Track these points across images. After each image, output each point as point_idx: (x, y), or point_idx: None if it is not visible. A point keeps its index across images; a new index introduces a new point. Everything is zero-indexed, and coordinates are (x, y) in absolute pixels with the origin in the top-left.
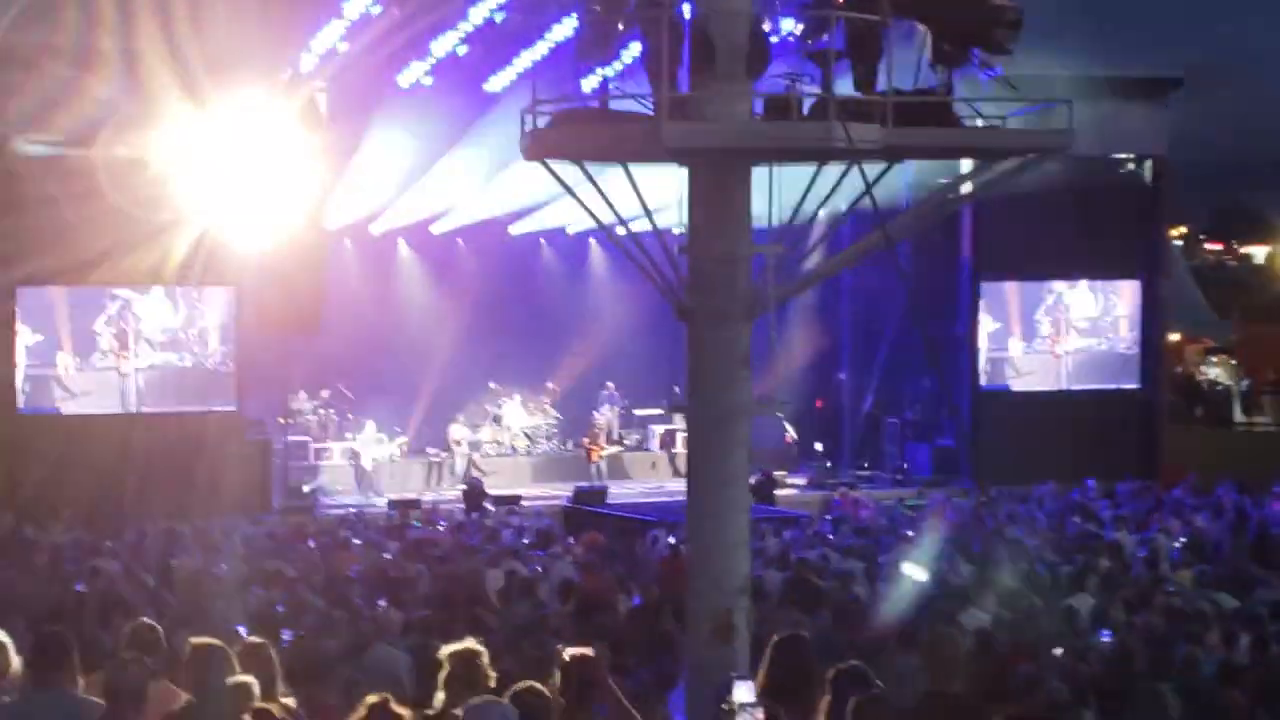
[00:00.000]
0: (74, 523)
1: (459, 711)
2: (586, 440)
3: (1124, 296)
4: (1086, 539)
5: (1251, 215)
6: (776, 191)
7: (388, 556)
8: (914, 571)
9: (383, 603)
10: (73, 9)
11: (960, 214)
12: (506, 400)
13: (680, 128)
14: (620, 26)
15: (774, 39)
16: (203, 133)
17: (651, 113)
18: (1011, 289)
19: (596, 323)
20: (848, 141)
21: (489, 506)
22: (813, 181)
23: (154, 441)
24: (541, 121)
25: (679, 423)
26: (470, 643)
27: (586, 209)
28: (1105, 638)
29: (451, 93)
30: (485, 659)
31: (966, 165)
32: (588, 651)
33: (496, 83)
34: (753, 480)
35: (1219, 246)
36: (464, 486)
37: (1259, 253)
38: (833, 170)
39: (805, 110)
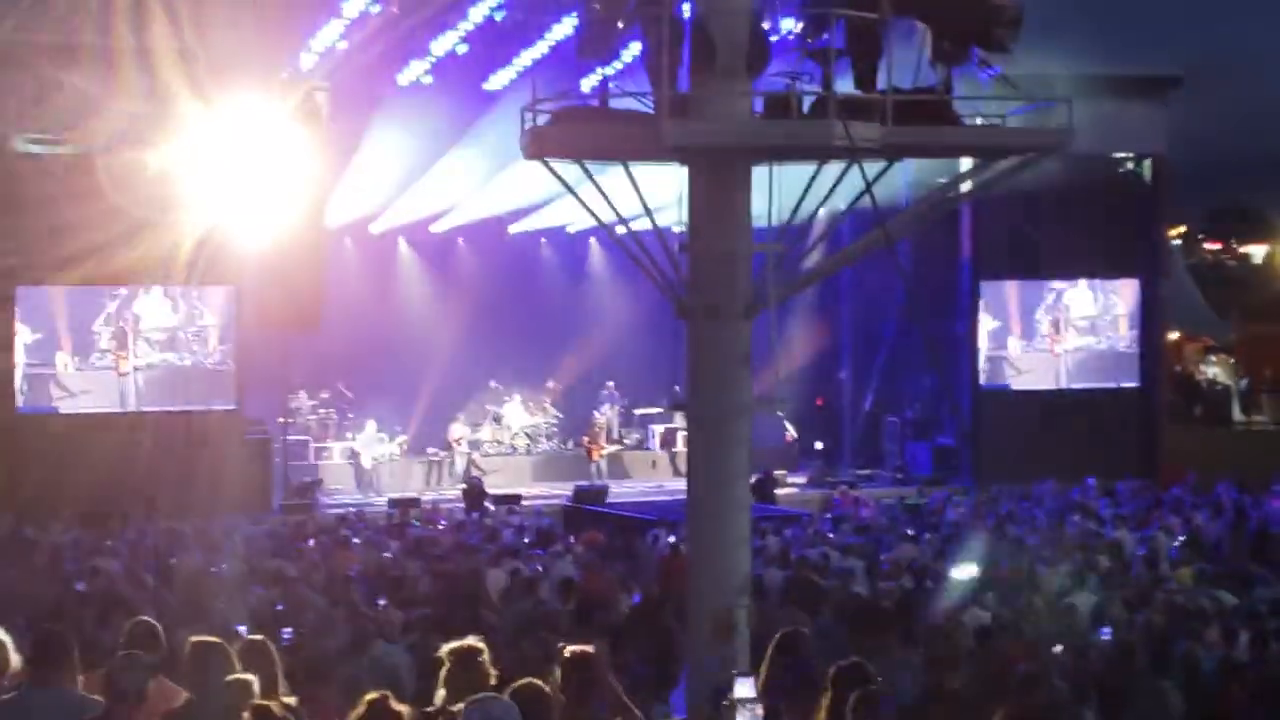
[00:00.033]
0: (73, 523)
1: (459, 708)
2: (587, 439)
3: (1123, 295)
4: (1086, 537)
5: (1251, 214)
6: (776, 190)
7: (388, 556)
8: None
9: (383, 601)
10: (72, 9)
11: (960, 213)
12: (507, 399)
13: (680, 126)
14: (620, 25)
15: (774, 37)
16: (203, 132)
17: (651, 111)
18: (1011, 288)
19: (597, 322)
20: (848, 140)
21: (489, 506)
22: (813, 180)
23: (153, 441)
24: (541, 120)
25: (679, 421)
26: (470, 640)
27: (587, 208)
28: (1105, 635)
29: (451, 91)
30: (485, 657)
31: (966, 164)
32: (588, 648)
33: (496, 81)
34: (753, 479)
35: (1218, 245)
36: (464, 486)
37: (1258, 252)
38: (832, 169)
39: (805, 109)
